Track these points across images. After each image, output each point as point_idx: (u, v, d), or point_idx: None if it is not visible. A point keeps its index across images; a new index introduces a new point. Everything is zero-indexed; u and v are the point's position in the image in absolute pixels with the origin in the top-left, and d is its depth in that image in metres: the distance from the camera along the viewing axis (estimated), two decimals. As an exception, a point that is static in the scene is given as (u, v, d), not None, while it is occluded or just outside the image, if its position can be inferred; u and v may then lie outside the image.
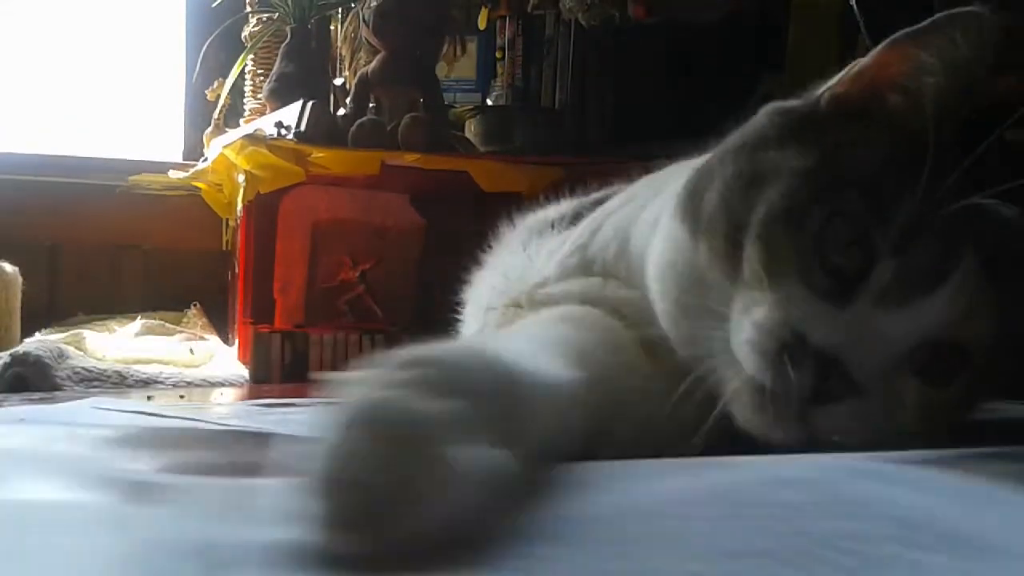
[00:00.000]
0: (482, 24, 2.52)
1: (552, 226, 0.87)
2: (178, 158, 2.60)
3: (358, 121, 1.99)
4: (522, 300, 0.80)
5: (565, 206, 0.92)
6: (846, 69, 0.67)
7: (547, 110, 2.37)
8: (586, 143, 2.26)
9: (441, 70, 2.31)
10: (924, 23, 0.63)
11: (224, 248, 2.41)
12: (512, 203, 1.94)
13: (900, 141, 0.62)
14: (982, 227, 0.61)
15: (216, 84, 2.40)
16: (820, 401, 0.58)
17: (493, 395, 0.43)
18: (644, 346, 0.70)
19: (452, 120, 2.26)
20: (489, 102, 2.47)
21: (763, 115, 0.69)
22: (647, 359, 0.69)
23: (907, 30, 0.63)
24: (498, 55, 2.50)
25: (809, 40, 2.15)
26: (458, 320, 0.97)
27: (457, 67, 2.43)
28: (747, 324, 0.60)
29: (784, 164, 0.63)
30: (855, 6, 1.53)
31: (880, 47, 0.64)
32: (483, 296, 0.88)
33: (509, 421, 0.44)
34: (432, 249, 2.01)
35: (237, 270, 2.05)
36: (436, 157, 1.98)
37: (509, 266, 0.87)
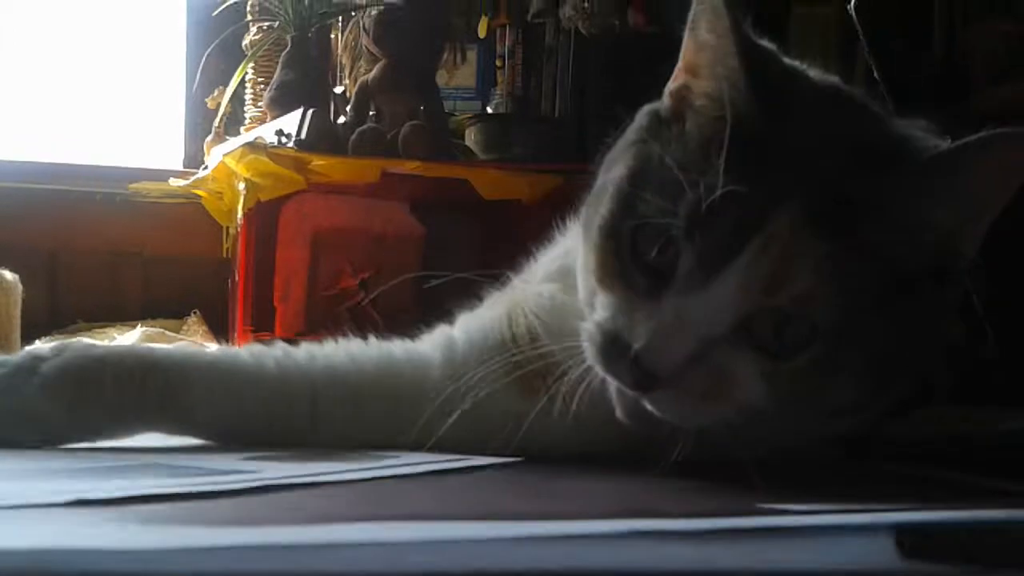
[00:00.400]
0: (482, 32, 2.53)
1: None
2: (179, 166, 2.60)
3: (358, 129, 2.00)
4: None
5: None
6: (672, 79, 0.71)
7: (547, 118, 2.38)
8: (586, 151, 2.26)
9: (441, 78, 2.32)
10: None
11: (224, 256, 2.41)
12: (512, 211, 1.96)
13: (703, 130, 0.65)
14: (819, 171, 0.60)
15: (216, 92, 2.41)
16: (644, 390, 0.62)
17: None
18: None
19: (452, 128, 2.27)
20: (489, 110, 2.48)
21: (637, 118, 0.73)
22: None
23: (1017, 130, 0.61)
24: (498, 63, 2.51)
25: (808, 48, 2.16)
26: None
27: (457, 75, 2.43)
28: (588, 323, 0.66)
29: (613, 178, 0.68)
30: (853, 14, 1.54)
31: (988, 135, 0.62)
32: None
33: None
34: (432, 257, 2.01)
35: (237, 278, 2.05)
36: (436, 165, 1.99)
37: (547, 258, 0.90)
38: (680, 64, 0.70)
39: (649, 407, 0.63)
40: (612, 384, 0.65)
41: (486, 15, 2.52)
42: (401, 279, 1.56)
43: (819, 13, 2.12)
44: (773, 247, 0.59)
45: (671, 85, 0.71)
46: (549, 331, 0.74)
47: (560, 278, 0.78)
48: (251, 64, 2.36)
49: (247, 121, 2.39)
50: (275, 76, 2.26)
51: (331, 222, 1.97)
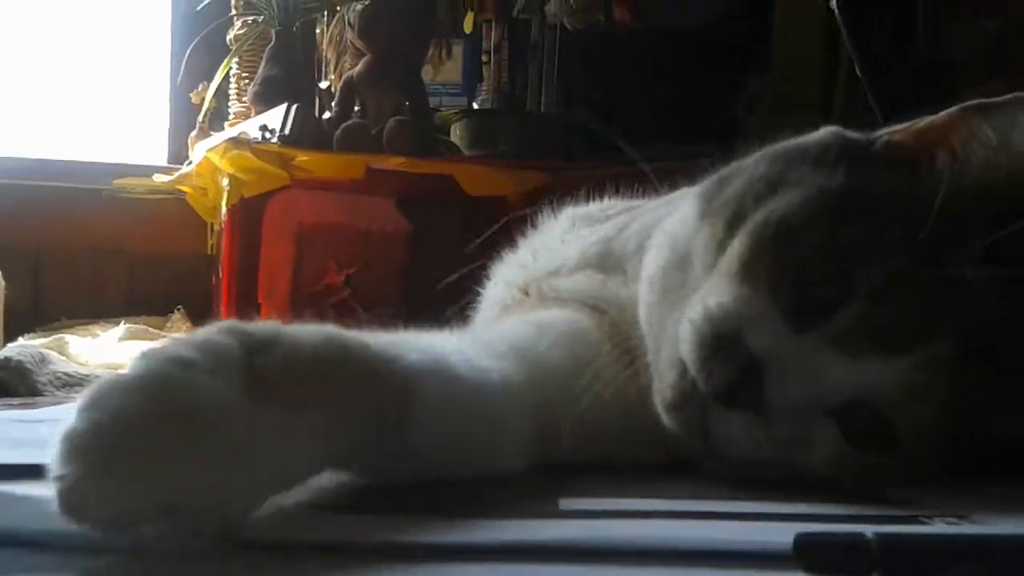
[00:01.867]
0: (468, 28, 2.52)
1: (597, 222, 0.87)
2: (163, 162, 2.59)
3: (343, 125, 1.99)
4: (531, 287, 0.80)
5: (611, 204, 0.92)
6: (913, 122, 0.65)
7: (533, 114, 2.38)
8: (571, 148, 2.26)
9: (427, 74, 2.31)
10: (1000, 98, 0.61)
11: (209, 252, 2.39)
12: (497, 207, 1.96)
13: (925, 200, 0.60)
14: (974, 315, 0.58)
15: (201, 87, 2.39)
16: (725, 401, 0.57)
17: (333, 383, 0.45)
18: (622, 353, 0.69)
19: (438, 124, 2.26)
20: (475, 106, 2.47)
21: (822, 133, 0.68)
22: (619, 368, 0.67)
23: (981, 100, 0.62)
24: (484, 59, 2.51)
25: (794, 44, 2.17)
26: (477, 297, 0.96)
27: (443, 71, 2.43)
28: (699, 305, 0.60)
29: (808, 179, 0.62)
30: (836, 12, 1.54)
31: (953, 109, 0.63)
32: (511, 272, 0.89)
33: (330, 412, 0.45)
34: (418, 253, 2.00)
35: (221, 275, 2.04)
36: (421, 161, 1.98)
37: (541, 248, 0.88)
38: (953, 114, 0.63)
39: (714, 421, 0.58)
40: (671, 374, 0.59)
41: (472, 10, 2.51)
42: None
43: (805, 9, 2.13)
44: (935, 365, 0.57)
45: (922, 124, 0.64)
46: (647, 317, 0.67)
47: (600, 264, 0.76)
48: (235, 59, 2.35)
49: (231, 116, 2.38)
50: (259, 71, 2.25)
51: (316, 218, 1.97)
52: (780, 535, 0.42)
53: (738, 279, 0.59)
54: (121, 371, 0.40)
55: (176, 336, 0.43)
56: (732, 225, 0.62)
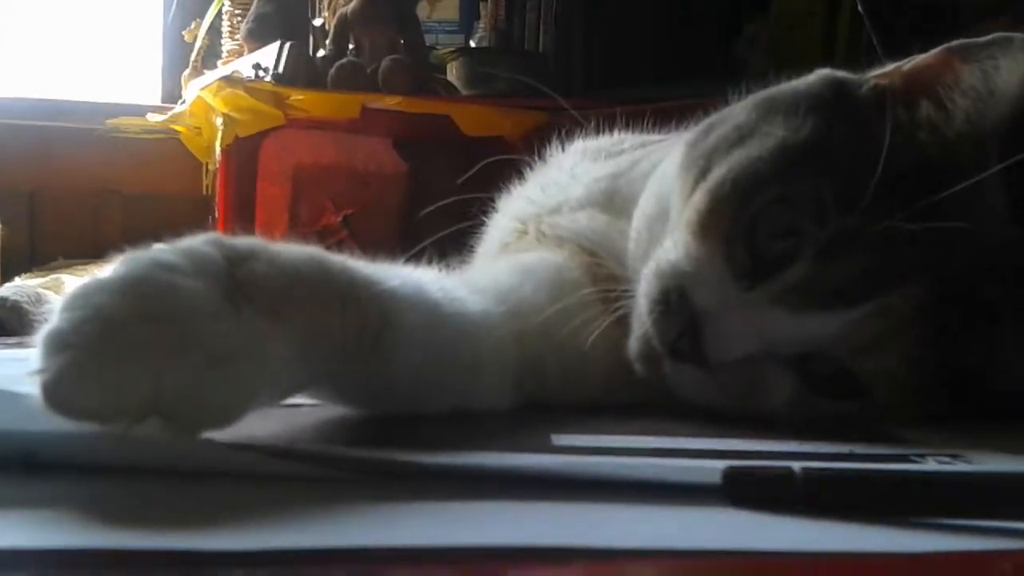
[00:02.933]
0: (465, -36, 2.48)
1: (607, 156, 0.87)
2: (157, 101, 2.56)
3: (337, 63, 1.96)
4: (530, 224, 0.80)
5: (625, 138, 0.91)
6: (900, 63, 0.65)
7: (531, 53, 2.34)
8: (570, 87, 2.23)
9: (423, 11, 2.27)
10: (982, 39, 0.60)
11: (205, 193, 2.38)
12: (495, 147, 1.94)
13: (904, 151, 0.59)
14: (948, 265, 0.58)
15: (193, 25, 2.36)
16: (671, 355, 0.60)
17: (311, 298, 0.45)
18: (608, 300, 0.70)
19: (434, 63, 2.23)
20: (472, 44, 2.44)
21: (811, 78, 0.67)
22: (602, 314, 0.68)
23: (964, 41, 0.61)
24: (481, -3, 2.47)
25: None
26: (481, 232, 0.95)
27: (439, 8, 2.39)
28: (653, 261, 0.62)
29: (775, 131, 0.62)
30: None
31: (937, 50, 0.62)
32: (516, 206, 0.88)
33: (310, 325, 0.45)
34: (415, 194, 1.99)
35: (217, 215, 2.03)
36: (418, 100, 1.96)
37: (550, 182, 0.87)
38: (936, 56, 0.62)
39: (670, 371, 0.61)
40: (641, 327, 0.62)
41: (469, -54, 2.47)
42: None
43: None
44: (886, 317, 0.57)
45: (908, 67, 0.63)
46: (617, 258, 0.69)
47: (605, 204, 0.76)
48: (228, -4, 2.31)
49: (224, 55, 2.35)
50: (252, 8, 2.21)
51: (312, 158, 1.95)
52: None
53: (694, 235, 0.61)
54: (101, 273, 0.40)
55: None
56: (698, 179, 0.63)
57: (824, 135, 0.61)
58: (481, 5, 2.46)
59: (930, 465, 0.51)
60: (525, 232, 0.80)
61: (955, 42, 0.61)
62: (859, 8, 1.57)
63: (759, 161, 0.60)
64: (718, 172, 0.62)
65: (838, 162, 0.60)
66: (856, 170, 0.58)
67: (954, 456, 0.52)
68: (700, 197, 0.61)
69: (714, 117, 0.69)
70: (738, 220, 0.59)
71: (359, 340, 0.48)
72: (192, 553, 0.32)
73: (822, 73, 0.67)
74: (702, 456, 0.51)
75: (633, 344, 0.63)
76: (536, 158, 0.94)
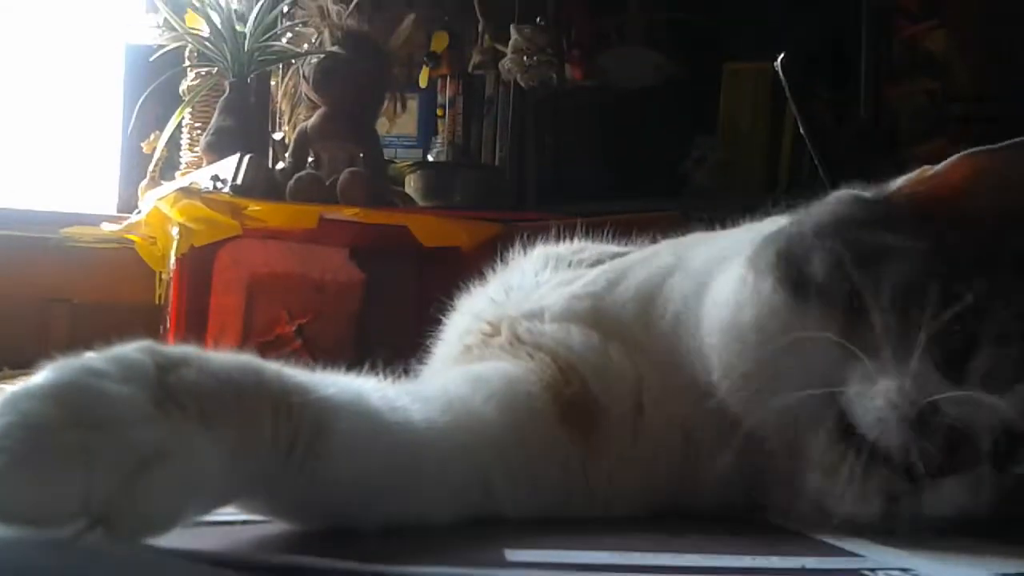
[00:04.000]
0: (423, 82, 2.55)
1: (569, 264, 0.88)
2: (112, 211, 2.56)
3: (296, 175, 1.99)
4: (503, 325, 0.79)
5: (585, 247, 0.93)
6: (917, 172, 0.71)
7: (487, 167, 2.40)
8: (525, 199, 2.28)
9: (382, 126, 2.33)
10: (999, 145, 0.68)
11: (157, 302, 2.36)
12: (451, 257, 1.97)
13: (982, 239, 0.67)
14: None
15: (152, 137, 2.38)
16: (945, 472, 0.61)
17: (236, 405, 0.45)
18: (586, 414, 0.71)
19: (392, 175, 2.28)
20: (430, 158, 2.49)
21: (846, 199, 0.73)
22: (566, 429, 0.69)
23: (979, 148, 0.69)
24: (439, 112, 2.54)
25: (740, 104, 2.22)
26: (436, 332, 0.95)
27: (398, 123, 2.45)
28: (879, 391, 0.62)
29: (898, 244, 0.67)
30: (780, 72, 1.59)
31: (954, 159, 0.69)
32: (479, 305, 0.88)
33: (239, 431, 0.45)
34: (371, 303, 2.00)
35: (169, 324, 2.01)
36: (375, 211, 1.99)
37: (515, 284, 0.87)
38: (963, 161, 0.70)
39: (927, 494, 0.61)
40: (858, 463, 0.61)
41: (427, 65, 2.55)
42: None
43: (752, 70, 2.19)
44: None
45: (930, 173, 0.71)
46: (748, 401, 0.68)
47: (594, 323, 0.76)
48: (188, 109, 2.34)
49: (183, 166, 2.37)
50: (212, 121, 2.24)
51: (268, 268, 1.95)
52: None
53: (898, 354, 0.63)
54: (30, 380, 0.40)
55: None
56: (851, 305, 0.65)
57: (935, 240, 0.67)
58: (439, 121, 2.53)
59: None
60: (494, 334, 0.80)
61: (972, 149, 0.69)
62: (800, 130, 1.64)
63: (917, 270, 0.65)
64: (885, 291, 0.65)
65: (956, 260, 0.66)
66: (965, 265, 0.65)
67: (904, 571, 0.53)
68: (886, 319, 0.64)
69: (776, 245, 0.71)
70: (928, 327, 0.63)
71: (291, 448, 0.48)
72: None
73: (843, 193, 0.73)
74: (660, 572, 0.50)
75: (853, 488, 0.62)
76: (496, 264, 0.96)
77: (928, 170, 0.70)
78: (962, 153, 0.69)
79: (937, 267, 0.65)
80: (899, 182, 0.72)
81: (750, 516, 0.71)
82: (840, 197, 0.73)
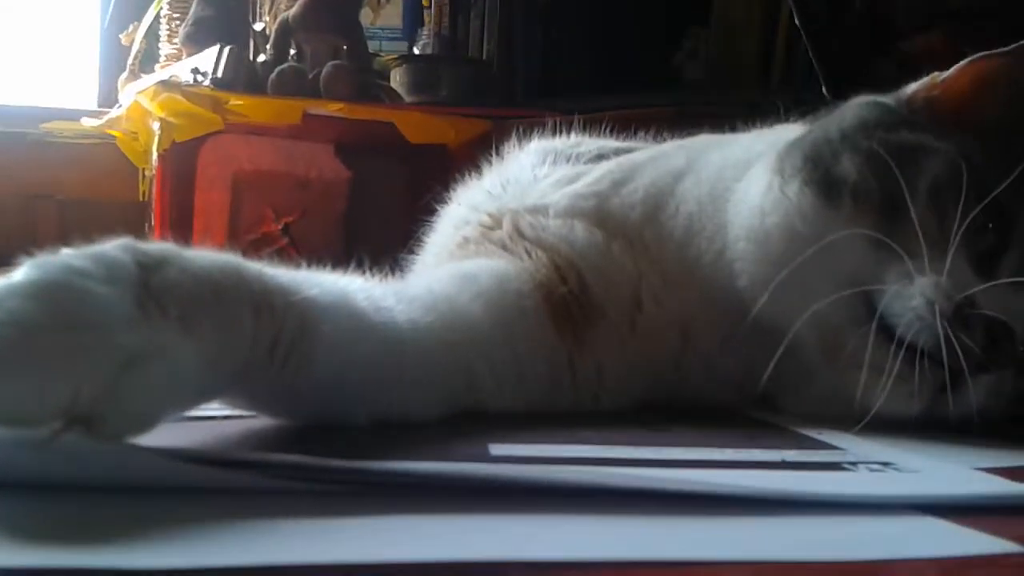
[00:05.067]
0: (409, -29, 2.47)
1: (568, 159, 0.87)
2: (92, 105, 2.51)
3: (278, 68, 1.94)
4: (505, 219, 0.79)
5: (582, 141, 0.92)
6: (928, 79, 0.72)
7: (475, 61, 2.35)
8: (514, 95, 2.24)
9: (366, 17, 2.27)
10: (1007, 48, 0.69)
11: (142, 199, 2.34)
12: (439, 155, 1.94)
13: (1000, 141, 0.68)
14: None
15: (131, 28, 2.32)
16: (987, 368, 0.61)
17: (217, 304, 0.44)
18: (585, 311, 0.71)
19: (377, 69, 2.22)
20: (416, 51, 2.43)
21: (867, 104, 0.73)
22: (556, 327, 0.70)
23: (987, 52, 0.69)
24: (425, 3, 2.46)
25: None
26: (430, 224, 0.94)
27: (383, 15, 2.38)
28: (916, 289, 0.62)
29: (928, 144, 0.67)
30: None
31: (966, 61, 0.71)
32: (475, 198, 0.87)
33: (220, 333, 0.44)
34: (358, 201, 1.98)
35: (154, 221, 1.99)
36: (360, 107, 1.95)
37: (512, 178, 0.86)
38: (975, 64, 0.71)
39: (961, 391, 0.61)
40: (896, 361, 0.62)
41: (413, -47, 2.47)
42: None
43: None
44: None
45: (944, 78, 0.72)
46: (781, 301, 0.68)
47: (598, 221, 0.76)
48: (167, -1, 2.28)
49: (163, 59, 2.31)
50: (191, 11, 2.18)
51: (252, 164, 1.92)
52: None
53: (933, 252, 0.63)
54: (11, 276, 0.39)
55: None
56: (888, 204, 0.65)
57: (960, 142, 0.67)
58: (425, 12, 2.46)
59: (862, 472, 0.52)
60: (494, 227, 0.79)
61: (979, 54, 0.70)
62: (796, 22, 1.60)
63: (952, 169, 0.65)
64: (923, 188, 0.65)
65: (982, 161, 0.67)
66: (990, 166, 0.66)
67: (884, 464, 0.54)
68: (926, 217, 0.64)
69: (803, 147, 0.71)
70: (962, 225, 0.64)
71: (273, 349, 0.48)
72: (119, 571, 0.31)
73: (867, 99, 0.74)
74: (641, 465, 0.51)
75: (890, 385, 0.62)
76: (492, 158, 0.95)
77: (938, 76, 0.71)
78: (969, 58, 0.70)
79: (964, 167, 0.65)
80: (912, 87, 0.73)
81: (740, 410, 0.72)
82: (860, 103, 0.73)
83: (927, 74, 0.73)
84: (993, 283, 0.62)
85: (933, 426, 0.63)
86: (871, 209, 0.65)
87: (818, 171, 0.68)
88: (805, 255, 0.66)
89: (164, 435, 0.42)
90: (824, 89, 1.35)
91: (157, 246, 0.45)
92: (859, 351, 0.63)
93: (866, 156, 0.67)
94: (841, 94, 0.78)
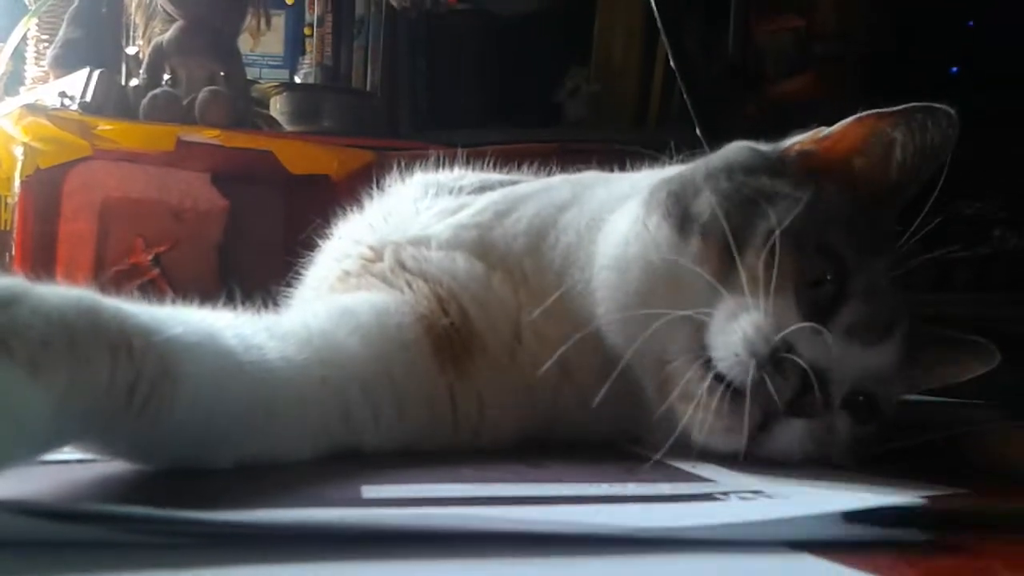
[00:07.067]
0: (290, -1, 2.44)
1: (450, 191, 0.87)
2: (-51, 127, 2.37)
3: (151, 93, 1.88)
4: (387, 251, 0.78)
5: (465, 174, 0.92)
6: (812, 132, 0.75)
7: (357, 91, 2.33)
8: (397, 127, 2.23)
9: (245, 43, 2.22)
10: (900, 107, 0.72)
11: (3, 228, 2.21)
12: (321, 186, 1.91)
13: (865, 199, 0.71)
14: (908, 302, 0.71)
15: (-5, 48, 2.21)
16: (792, 413, 0.63)
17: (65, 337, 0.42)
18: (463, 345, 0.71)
19: (256, 97, 2.18)
20: (297, 79, 2.40)
21: (740, 148, 0.76)
22: (437, 360, 0.70)
23: (876, 111, 0.72)
24: (307, 31, 2.43)
25: (614, 36, 2.22)
26: (310, 258, 0.92)
27: (263, 42, 2.33)
28: (737, 327, 0.64)
29: (782, 191, 0.69)
30: (654, 5, 1.58)
31: (853, 118, 0.73)
32: (356, 231, 0.86)
33: (73, 377, 0.42)
34: (235, 232, 1.92)
35: (15, 252, 1.89)
36: (238, 134, 1.90)
37: (394, 210, 0.85)
38: (860, 122, 0.73)
39: (774, 433, 0.63)
40: (715, 396, 0.63)
41: (297, -20, 2.43)
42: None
43: (624, 9, 2.18)
44: (898, 348, 0.69)
45: (828, 133, 0.74)
46: (627, 330, 0.69)
47: (480, 253, 0.76)
48: (34, 19, 2.18)
49: (28, 81, 2.21)
50: (60, 33, 2.09)
51: (121, 192, 1.85)
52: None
53: (774, 292, 0.65)
54: None
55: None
56: (728, 243, 0.67)
57: (816, 192, 0.70)
58: (307, 40, 2.43)
59: (733, 501, 0.53)
60: (375, 259, 0.78)
61: (868, 112, 0.73)
62: (671, 64, 1.65)
63: (796, 216, 0.67)
64: (761, 232, 0.67)
65: (835, 215, 0.70)
66: (844, 220, 0.69)
67: (755, 492, 0.55)
68: (758, 259, 0.66)
69: (670, 185, 0.73)
70: (799, 272, 0.66)
71: (131, 393, 0.45)
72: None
73: (743, 144, 0.76)
74: (519, 503, 0.50)
75: (703, 417, 0.63)
76: (373, 191, 0.94)
77: (822, 131, 0.75)
78: (856, 115, 0.73)
79: (813, 218, 0.68)
80: (793, 139, 0.76)
81: (619, 445, 0.72)
82: (736, 146, 0.76)
83: (795, 115, 0.77)
84: (810, 324, 0.64)
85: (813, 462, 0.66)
86: (715, 247, 0.68)
87: (679, 207, 0.71)
88: (650, 283, 0.69)
89: (9, 482, 0.40)
90: (697, 130, 1.39)
91: (6, 282, 0.42)
92: (689, 385, 0.65)
93: (721, 196, 0.69)
94: (714, 134, 0.81)
